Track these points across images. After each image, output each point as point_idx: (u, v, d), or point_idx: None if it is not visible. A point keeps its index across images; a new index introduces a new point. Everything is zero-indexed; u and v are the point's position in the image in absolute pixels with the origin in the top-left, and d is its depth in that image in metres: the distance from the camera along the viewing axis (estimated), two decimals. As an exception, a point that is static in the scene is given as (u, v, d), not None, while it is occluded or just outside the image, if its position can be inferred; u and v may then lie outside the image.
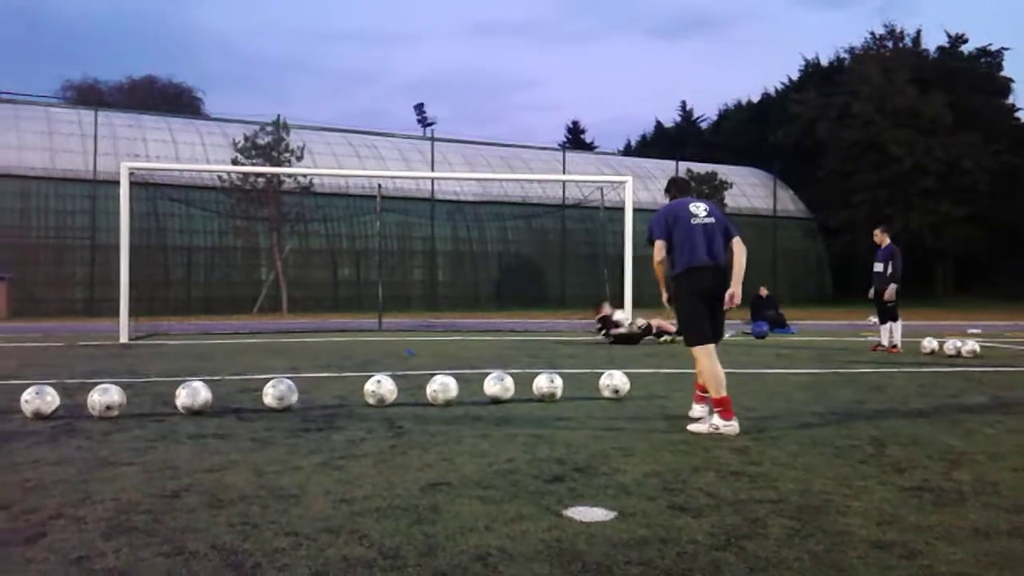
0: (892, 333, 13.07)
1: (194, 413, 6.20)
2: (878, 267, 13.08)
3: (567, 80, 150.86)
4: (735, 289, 5.92)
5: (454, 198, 39.39)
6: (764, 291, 21.48)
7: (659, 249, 6.04)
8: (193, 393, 6.28)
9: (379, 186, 22.98)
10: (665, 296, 6.22)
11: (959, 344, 12.16)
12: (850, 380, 8.97)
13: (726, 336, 16.73)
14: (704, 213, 6.05)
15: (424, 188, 38.52)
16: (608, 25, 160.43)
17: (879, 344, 13.32)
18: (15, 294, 30.46)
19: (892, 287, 12.87)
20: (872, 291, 13.24)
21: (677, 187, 6.57)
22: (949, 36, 52.22)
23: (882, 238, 13.23)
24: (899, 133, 44.85)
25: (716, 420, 5.67)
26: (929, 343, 12.68)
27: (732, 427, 5.59)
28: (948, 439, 5.35)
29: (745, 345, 14.71)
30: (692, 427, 5.76)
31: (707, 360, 5.85)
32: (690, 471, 4.37)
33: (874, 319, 14.09)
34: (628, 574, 2.83)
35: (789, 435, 5.46)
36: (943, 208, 44.68)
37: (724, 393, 5.72)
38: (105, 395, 6.10)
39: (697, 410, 6.20)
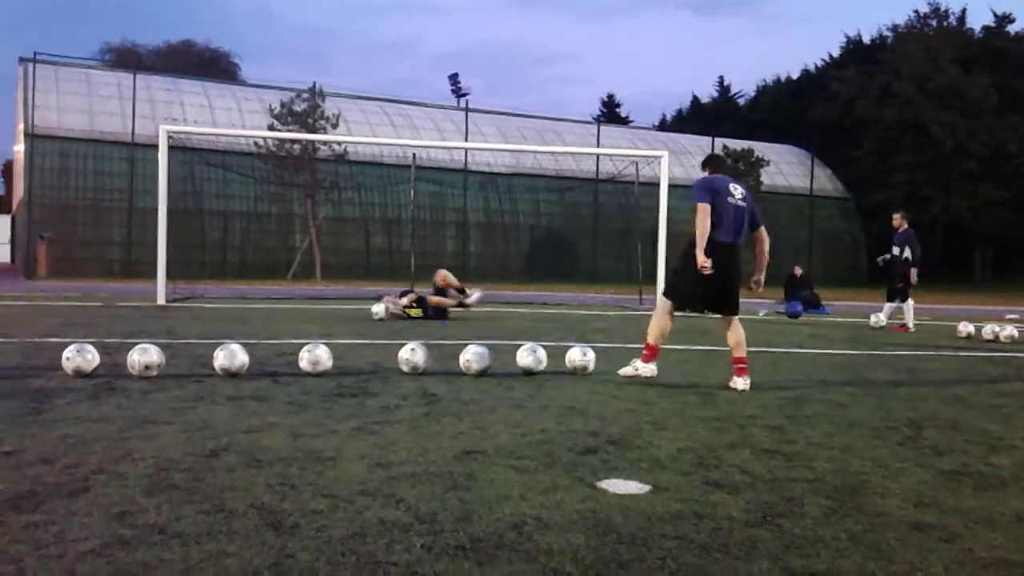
0: (883, 311, 13.83)
1: (231, 375, 6.27)
2: (895, 250, 13.52)
3: (603, 54, 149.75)
4: (759, 276, 6.61)
5: (487, 169, 39.32)
6: (799, 270, 21.30)
7: (701, 212, 6.24)
8: (231, 355, 6.35)
9: (413, 155, 22.99)
10: (703, 261, 6.28)
11: (997, 329, 11.99)
12: (886, 362, 8.88)
13: (759, 315, 16.71)
14: (740, 196, 6.44)
15: (457, 158, 38.46)
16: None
17: (902, 324, 13.53)
18: (54, 253, 30.91)
19: (914, 271, 13.40)
20: (881, 260, 14.15)
21: (716, 163, 6.79)
22: (995, 15, 50.99)
23: (900, 222, 13.80)
24: (941, 114, 43.97)
25: (637, 362, 6.46)
26: (965, 327, 12.57)
27: (648, 369, 6.42)
28: (987, 424, 5.28)
29: (779, 324, 14.60)
30: (620, 370, 6.53)
31: (659, 311, 6.54)
32: (725, 448, 4.35)
33: (899, 302, 14.18)
34: (663, 547, 2.83)
35: (824, 415, 5.42)
36: (983, 191, 43.86)
37: (655, 343, 6.45)
38: (144, 355, 6.18)
39: (739, 382, 6.40)
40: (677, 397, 5.98)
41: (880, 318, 13.74)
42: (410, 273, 21.11)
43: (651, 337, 6.48)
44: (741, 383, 6.36)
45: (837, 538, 2.98)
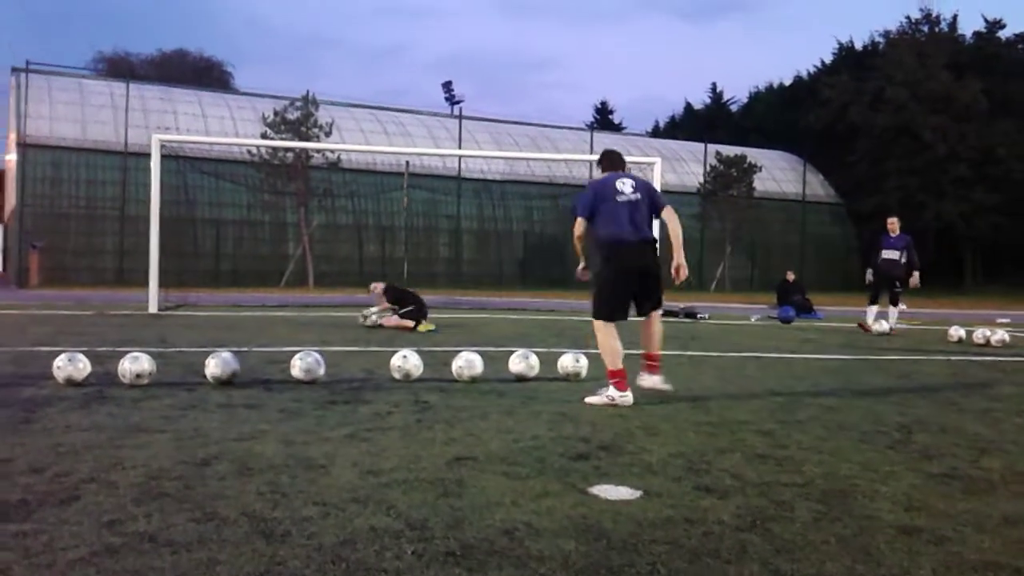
0: (889, 316, 13.58)
1: (223, 383, 6.26)
2: (892, 254, 13.63)
3: (595, 60, 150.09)
4: (678, 260, 6.03)
5: (480, 176, 39.36)
6: (791, 275, 21.36)
7: (578, 226, 6.19)
8: (222, 363, 6.34)
9: (406, 163, 23.05)
10: (581, 266, 6.43)
11: (988, 333, 12.04)
12: (877, 366, 8.91)
13: (752, 320, 16.74)
14: (631, 189, 6.16)
15: (451, 166, 38.49)
16: (638, 5, 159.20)
17: (865, 326, 13.69)
18: (46, 263, 30.84)
19: (917, 275, 13.45)
20: (870, 274, 13.86)
21: (609, 161, 6.55)
22: (986, 21, 51.32)
23: (895, 227, 13.85)
24: (933, 119, 44.18)
25: (612, 391, 5.85)
26: (956, 331, 12.61)
27: (627, 398, 5.82)
28: (977, 427, 5.30)
29: (771, 329, 14.64)
30: (588, 399, 5.91)
31: (602, 334, 6.04)
32: (715, 453, 4.36)
33: (903, 305, 14.22)
34: (654, 552, 2.84)
35: (815, 420, 5.43)
36: (975, 196, 44.04)
37: (620, 366, 5.91)
38: (136, 363, 6.17)
39: (646, 379, 6.19)
40: (668, 402, 5.99)
41: (884, 324, 13.52)
42: (403, 280, 21.13)
43: (608, 363, 5.97)
44: (650, 380, 6.15)
45: (826, 542, 2.99)
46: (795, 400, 6.25)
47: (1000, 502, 3.56)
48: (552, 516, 3.19)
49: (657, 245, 6.30)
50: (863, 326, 13.70)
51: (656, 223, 6.48)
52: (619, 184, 6.17)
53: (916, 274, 13.46)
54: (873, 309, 13.79)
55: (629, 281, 6.09)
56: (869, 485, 3.78)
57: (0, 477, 3.60)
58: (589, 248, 6.30)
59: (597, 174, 6.63)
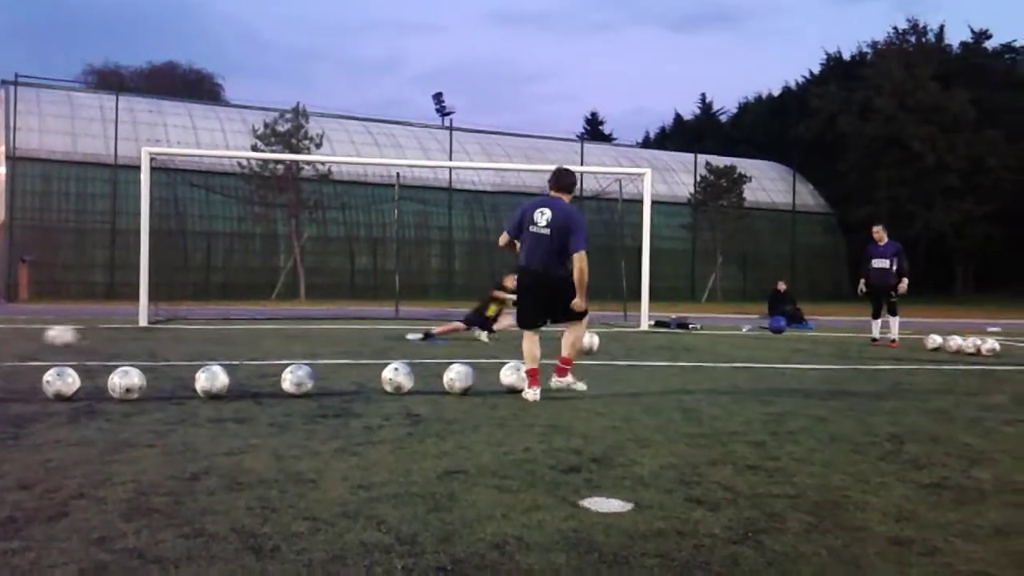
0: (892, 327, 13.40)
1: (213, 397, 6.24)
2: (882, 263, 13.44)
3: (586, 71, 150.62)
4: (578, 301, 6.59)
5: (472, 187, 39.36)
6: (782, 285, 21.42)
7: (502, 237, 6.98)
8: (212, 377, 6.32)
9: (397, 175, 23.03)
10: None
11: (979, 342, 12.07)
12: (869, 376, 8.93)
13: (743, 330, 16.77)
14: (545, 223, 6.58)
15: (442, 177, 38.51)
16: (627, 17, 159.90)
17: (875, 339, 13.54)
18: (36, 276, 30.71)
19: (905, 282, 13.29)
20: (862, 285, 13.73)
21: (554, 181, 6.96)
22: (973, 31, 51.63)
23: (882, 235, 13.68)
24: (922, 129, 44.40)
25: (525, 387, 6.57)
26: (933, 340, 12.60)
27: (529, 394, 6.48)
28: (967, 437, 5.31)
29: (763, 339, 14.66)
30: (525, 393, 6.55)
31: (525, 339, 6.77)
32: (707, 464, 4.36)
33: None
34: (645, 566, 2.83)
35: (807, 430, 5.44)
36: (965, 206, 44.24)
37: (534, 367, 6.60)
38: (125, 377, 6.14)
39: (555, 381, 6.80)
40: (660, 414, 5.99)
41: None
42: (395, 292, 21.11)
43: (528, 363, 6.70)
44: (557, 382, 6.77)
45: (818, 554, 2.99)
46: (786, 411, 6.25)
47: (991, 512, 3.57)
48: (543, 529, 3.18)
49: (567, 277, 6.64)
50: (874, 340, 13.54)
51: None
52: (538, 214, 6.64)
53: (904, 281, 13.34)
54: (877, 323, 13.66)
55: (532, 300, 6.80)
56: (860, 496, 3.79)
57: (-13, 494, 3.57)
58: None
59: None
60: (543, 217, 6.61)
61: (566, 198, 6.81)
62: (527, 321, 6.87)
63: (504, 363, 7.30)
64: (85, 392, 6.31)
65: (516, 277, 7.11)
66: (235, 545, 2.94)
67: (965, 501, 3.74)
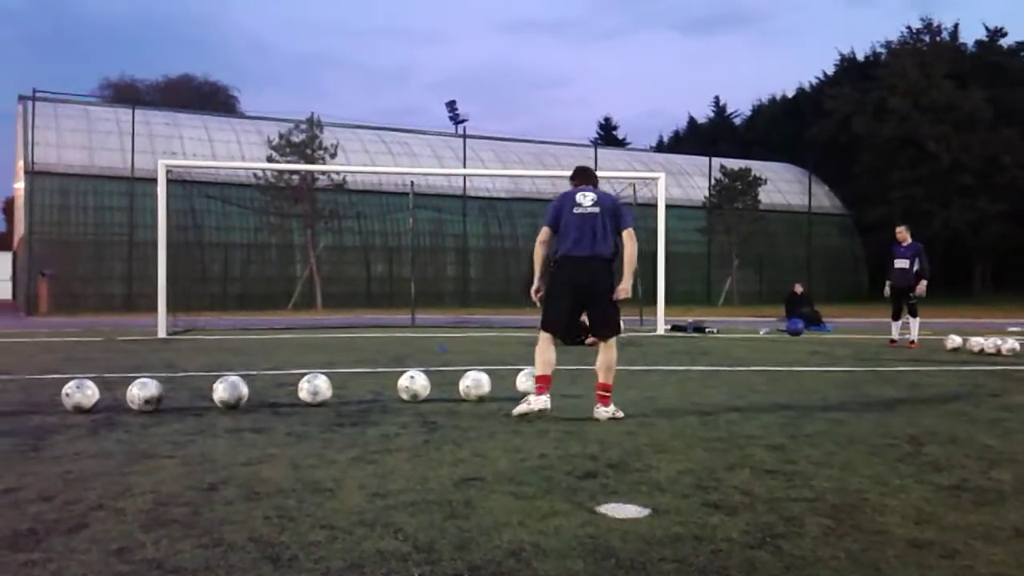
0: (911, 329, 13.27)
1: (231, 407, 6.27)
2: (902, 263, 13.43)
3: (598, 76, 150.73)
4: (624, 284, 6.06)
5: (486, 195, 39.41)
6: (799, 288, 21.32)
7: (541, 233, 6.28)
8: (230, 387, 6.35)
9: (411, 183, 23.08)
10: (535, 286, 6.33)
11: (999, 342, 11.97)
12: (887, 378, 8.87)
13: (760, 333, 16.70)
14: (590, 203, 6.19)
15: (456, 185, 38.57)
16: (639, 22, 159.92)
17: (893, 340, 13.49)
18: (55, 289, 30.95)
19: (924, 283, 13.23)
20: (888, 287, 13.67)
21: (578, 176, 6.62)
22: (988, 30, 51.27)
23: (904, 235, 13.65)
24: (937, 129, 44.12)
25: (531, 396, 6.01)
26: (953, 341, 12.53)
27: (539, 401, 5.92)
28: (987, 438, 5.27)
29: (780, 342, 14.59)
30: (515, 409, 6.01)
31: (541, 343, 6.14)
32: (724, 469, 4.35)
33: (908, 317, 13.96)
34: (662, 571, 2.83)
35: (825, 433, 5.41)
36: (981, 205, 43.91)
37: (543, 372, 6.05)
38: (144, 389, 6.19)
39: (600, 411, 6.03)
40: (677, 419, 5.97)
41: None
42: (410, 300, 21.16)
43: (538, 368, 6.12)
44: (603, 412, 5.99)
45: (836, 557, 2.97)
46: (804, 414, 6.23)
47: (1011, 514, 3.54)
48: (560, 536, 3.18)
49: (611, 263, 6.20)
50: (892, 342, 13.51)
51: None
52: (579, 196, 6.23)
53: (923, 282, 13.26)
54: (897, 324, 13.58)
55: (571, 294, 6.11)
56: (879, 499, 3.77)
57: (9, 506, 3.61)
58: (545, 264, 6.30)
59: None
60: (587, 199, 6.20)
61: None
62: (556, 322, 6.21)
63: (520, 369, 7.29)
64: (104, 404, 6.36)
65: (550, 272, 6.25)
66: (253, 555, 2.96)
67: (985, 503, 3.72)
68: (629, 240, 6.17)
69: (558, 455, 4.66)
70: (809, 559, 2.95)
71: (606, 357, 6.15)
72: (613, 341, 6.22)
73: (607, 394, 6.10)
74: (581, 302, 6.17)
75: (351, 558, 2.92)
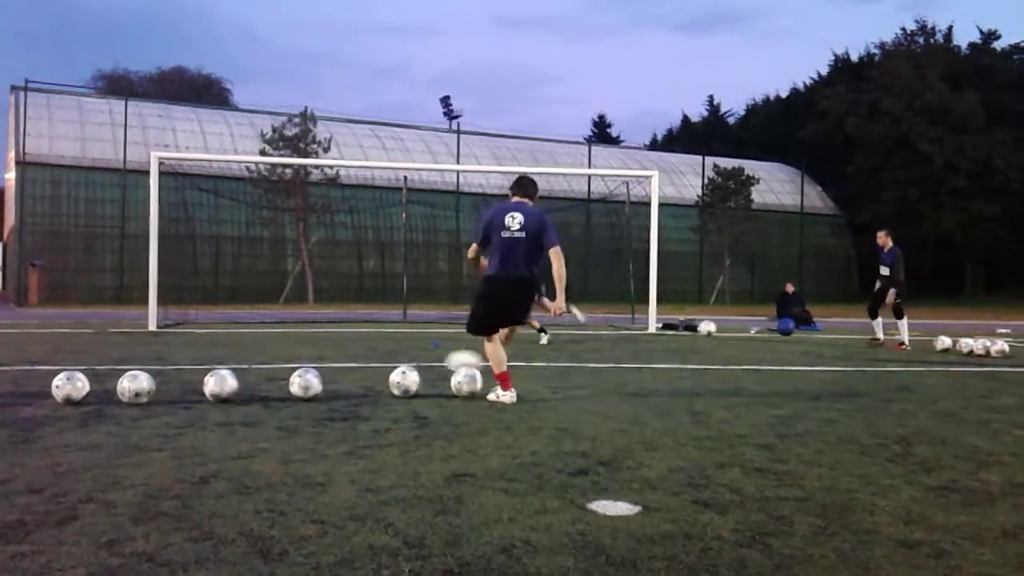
0: (900, 330, 13.27)
1: (221, 401, 6.26)
2: (884, 270, 13.51)
3: (593, 74, 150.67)
4: (558, 302, 6.65)
5: (479, 191, 39.38)
6: (790, 287, 21.36)
7: (471, 251, 6.92)
8: (221, 381, 6.34)
9: (405, 178, 23.04)
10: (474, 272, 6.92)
11: (988, 344, 12.03)
12: (877, 378, 8.91)
13: (751, 332, 16.74)
14: (517, 226, 6.52)
15: (450, 180, 38.56)
16: (634, 20, 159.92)
17: (876, 338, 13.61)
18: (45, 281, 30.84)
19: (893, 291, 13.15)
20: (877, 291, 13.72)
21: (518, 187, 6.91)
22: (982, 32, 51.45)
23: (885, 241, 13.60)
24: (930, 131, 44.27)
25: (499, 391, 6.52)
26: (942, 342, 12.59)
27: (509, 396, 6.49)
28: (976, 440, 5.29)
29: (771, 342, 14.63)
30: (489, 397, 6.57)
31: (489, 344, 6.67)
32: (715, 467, 4.36)
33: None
34: (652, 569, 2.83)
35: (815, 433, 5.43)
36: (974, 207, 44.09)
37: (504, 370, 6.56)
38: (134, 382, 6.17)
39: (499, 394, 6.56)
40: (668, 417, 5.98)
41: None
42: (402, 295, 21.15)
43: (495, 368, 6.60)
44: (504, 395, 6.52)
45: (826, 556, 2.98)
46: (794, 413, 6.24)
47: (999, 515, 3.56)
48: (550, 533, 3.18)
49: (533, 279, 6.74)
50: (872, 341, 13.61)
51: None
52: (509, 219, 6.56)
53: (892, 292, 13.14)
54: (877, 322, 13.70)
55: (495, 307, 6.67)
56: (869, 498, 3.78)
57: (-2, 498, 3.59)
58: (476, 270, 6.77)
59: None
60: (515, 221, 6.53)
61: (530, 204, 6.75)
62: (485, 328, 6.72)
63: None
64: (94, 396, 6.34)
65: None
66: (243, 548, 2.96)
67: (974, 504, 3.73)
68: (556, 258, 6.64)
69: (549, 452, 4.66)
70: (799, 558, 2.96)
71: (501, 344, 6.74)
72: (514, 331, 7.13)
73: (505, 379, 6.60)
74: (498, 312, 6.70)
75: (342, 553, 2.92)
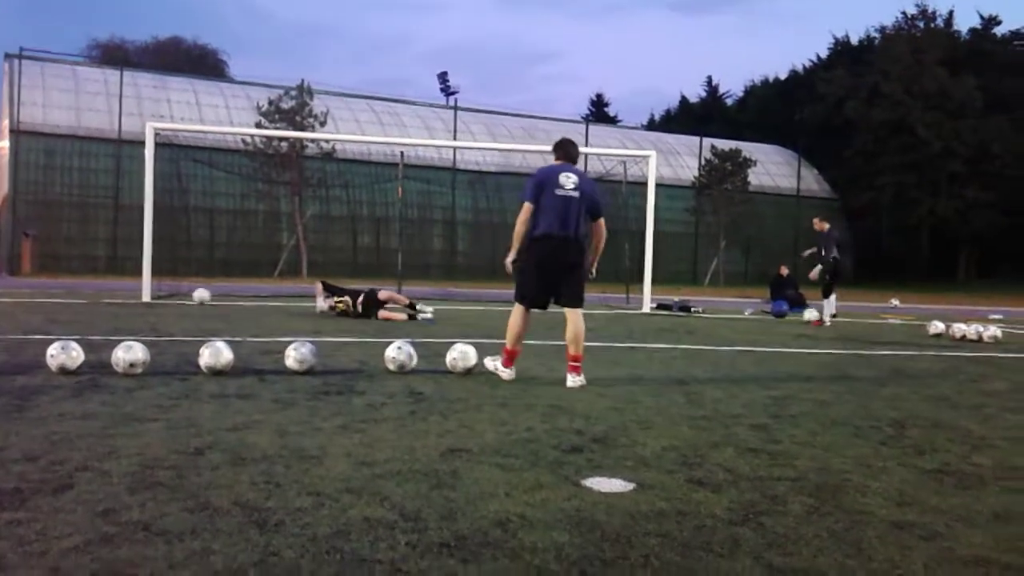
0: (822, 308, 14.71)
1: (216, 373, 6.25)
2: (829, 251, 14.84)
3: (591, 52, 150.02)
4: (591, 265, 6.62)
5: (475, 168, 39.33)
6: (784, 270, 21.36)
7: (524, 211, 6.39)
8: (216, 353, 6.33)
9: (401, 154, 22.95)
10: (511, 256, 6.55)
11: (980, 329, 12.08)
12: (870, 361, 8.94)
13: (745, 314, 16.77)
14: (572, 186, 6.35)
15: (446, 157, 38.46)
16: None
17: (820, 320, 14.68)
18: (39, 250, 30.75)
19: (818, 268, 14.82)
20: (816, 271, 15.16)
21: (563, 150, 6.71)
22: (982, 17, 51.40)
23: (821, 226, 15.23)
24: (928, 115, 44.23)
25: (499, 364, 6.54)
26: (935, 326, 12.68)
27: (507, 372, 6.47)
28: (969, 423, 5.32)
29: (765, 323, 14.67)
30: (486, 361, 6.65)
31: (516, 316, 6.49)
32: (709, 446, 4.38)
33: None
34: (646, 545, 2.85)
35: (808, 414, 5.45)
36: (970, 193, 44.15)
37: (516, 348, 6.49)
38: (129, 352, 6.16)
39: (571, 380, 6.29)
40: (663, 396, 6.00)
41: (819, 314, 14.63)
42: (397, 271, 21.12)
43: (509, 341, 6.49)
44: (572, 380, 6.25)
45: (818, 536, 3.00)
46: (788, 394, 6.27)
47: (991, 497, 3.58)
48: (545, 508, 3.20)
49: (583, 243, 6.53)
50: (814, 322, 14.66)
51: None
52: (563, 177, 6.38)
53: (817, 268, 14.77)
54: (828, 302, 14.77)
55: (547, 272, 6.39)
56: (861, 480, 3.80)
57: (-7, 465, 3.59)
58: (524, 240, 6.44)
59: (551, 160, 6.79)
60: (569, 181, 6.34)
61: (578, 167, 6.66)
62: (534, 296, 6.47)
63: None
64: (89, 366, 6.32)
65: (528, 246, 6.41)
66: (239, 519, 2.96)
67: (966, 486, 3.76)
68: (601, 232, 6.58)
69: (544, 429, 4.67)
70: (791, 537, 2.98)
71: (575, 329, 6.39)
72: (580, 313, 6.49)
73: (578, 364, 6.34)
74: (554, 278, 6.41)
75: (337, 525, 2.93)
